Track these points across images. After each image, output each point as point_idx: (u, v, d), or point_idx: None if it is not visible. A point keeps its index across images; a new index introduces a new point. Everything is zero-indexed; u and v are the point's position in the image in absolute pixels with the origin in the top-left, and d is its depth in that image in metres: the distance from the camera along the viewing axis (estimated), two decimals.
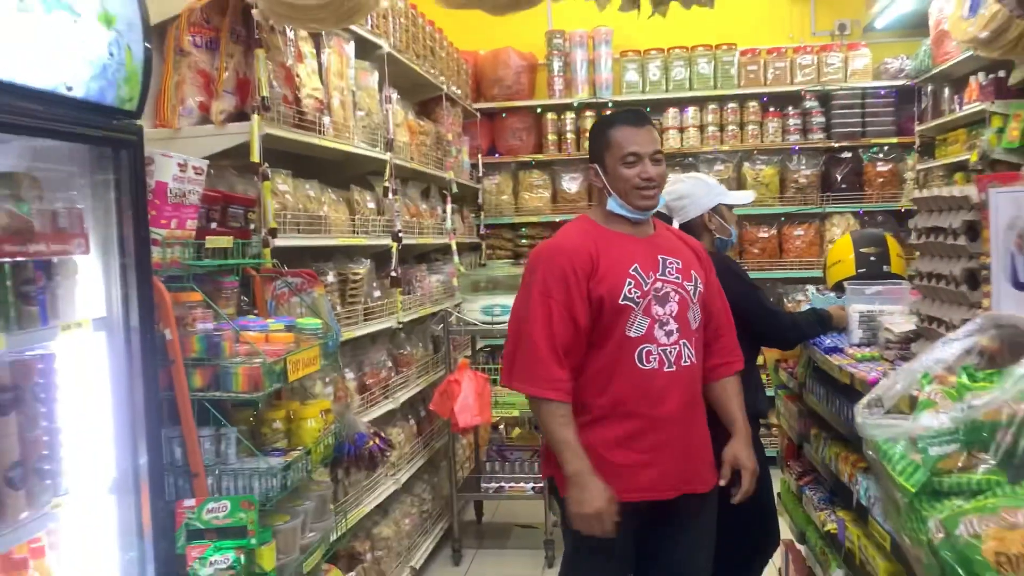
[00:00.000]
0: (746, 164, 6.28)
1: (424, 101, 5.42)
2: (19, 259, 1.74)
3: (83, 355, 2.01)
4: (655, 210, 2.50)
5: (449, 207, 5.39)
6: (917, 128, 6.04)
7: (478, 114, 6.46)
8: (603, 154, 2.43)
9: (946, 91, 5.67)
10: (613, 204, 2.43)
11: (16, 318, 1.75)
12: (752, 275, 5.85)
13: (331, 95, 3.54)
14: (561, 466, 2.32)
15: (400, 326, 4.32)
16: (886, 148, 6.20)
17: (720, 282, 2.68)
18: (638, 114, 2.50)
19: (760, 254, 6.24)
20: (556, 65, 6.49)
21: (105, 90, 1.86)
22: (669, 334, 2.36)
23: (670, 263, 2.43)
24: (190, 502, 2.16)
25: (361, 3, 2.70)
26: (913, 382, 1.71)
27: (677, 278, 2.41)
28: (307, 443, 2.55)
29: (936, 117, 5.77)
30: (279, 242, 2.99)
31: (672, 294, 2.39)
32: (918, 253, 2.30)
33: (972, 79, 5.15)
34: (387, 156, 4.14)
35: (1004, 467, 1.51)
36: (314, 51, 3.43)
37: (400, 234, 4.23)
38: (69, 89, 1.74)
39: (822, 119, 6.23)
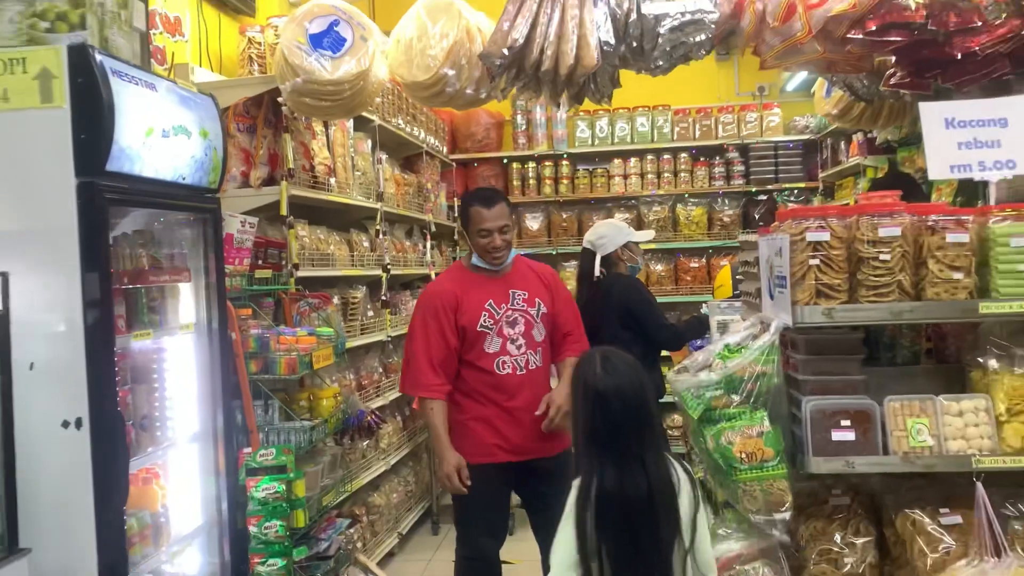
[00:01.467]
0: (679, 205, 7.34)
1: (408, 156, 6.45)
2: (151, 285, 2.73)
3: (180, 348, 2.99)
4: (506, 262, 3.43)
5: (428, 243, 6.40)
6: (820, 175, 7.13)
7: (454, 164, 7.50)
8: (467, 224, 3.43)
9: (841, 145, 6.76)
10: (476, 259, 3.42)
11: (148, 323, 2.74)
12: (684, 298, 6.90)
13: (336, 161, 4.56)
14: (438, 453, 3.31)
15: (389, 339, 5.30)
16: (796, 191, 7.28)
17: (625, 297, 3.75)
18: (490, 195, 3.42)
19: (692, 281, 7.26)
20: (520, 122, 7.54)
21: (201, 177, 2.86)
22: (519, 347, 3.36)
23: (518, 295, 3.40)
24: (248, 449, 3.13)
25: (362, 102, 3.73)
26: (710, 356, 2.72)
27: (523, 306, 3.39)
28: (324, 415, 3.54)
29: (834, 166, 6.85)
30: (300, 273, 3.98)
31: (519, 318, 3.37)
32: (742, 278, 3.33)
33: (854, 137, 6.24)
34: (378, 205, 5.16)
35: (746, 403, 2.52)
36: (323, 129, 4.46)
37: (388, 266, 5.24)
38: (183, 179, 2.74)
39: (742, 167, 7.32)
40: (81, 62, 2.26)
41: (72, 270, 2.27)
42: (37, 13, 2.32)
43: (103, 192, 2.31)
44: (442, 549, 5.30)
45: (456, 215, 7.43)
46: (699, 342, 3.98)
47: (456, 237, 7.49)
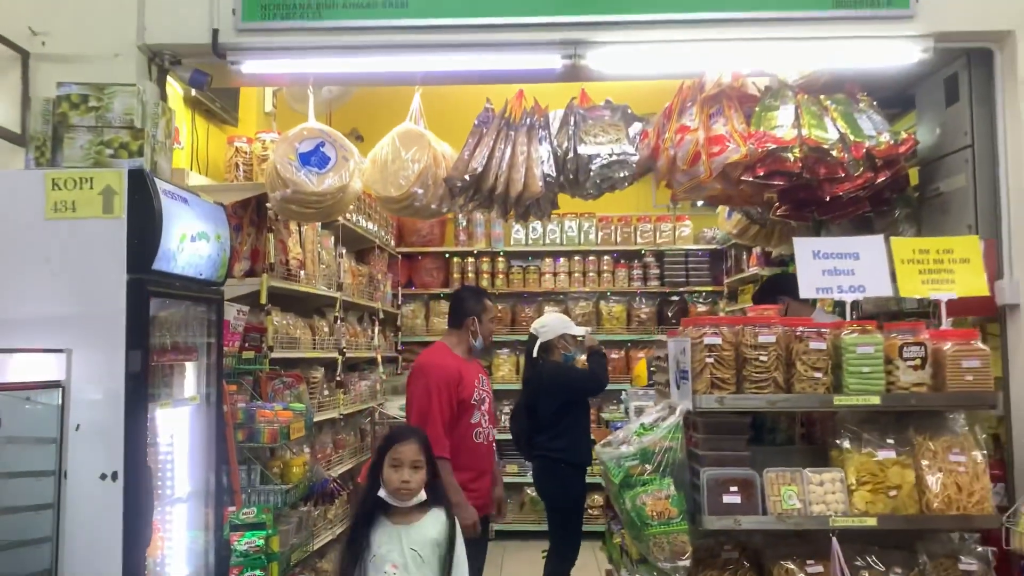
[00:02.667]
0: (602, 302, 8.07)
1: (361, 249, 7.01)
2: (168, 363, 3.20)
3: (183, 418, 3.43)
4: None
5: (377, 329, 6.91)
6: (725, 280, 7.97)
7: (400, 256, 8.09)
8: (481, 313, 4.15)
9: (743, 255, 7.62)
10: (478, 342, 4.12)
11: (165, 395, 3.20)
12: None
13: (306, 255, 5.10)
14: (451, 498, 3.84)
15: (341, 417, 5.75)
16: (704, 294, 8.10)
17: (562, 373, 4.43)
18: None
19: (613, 371, 7.86)
20: (461, 221, 8.22)
21: (212, 273, 3.36)
22: (486, 421, 4.06)
23: (484, 379, 4.16)
24: (232, 508, 3.56)
25: (340, 210, 4.31)
26: (628, 433, 3.32)
27: (487, 388, 4.14)
28: (294, 481, 3.99)
29: (737, 273, 7.69)
30: (274, 355, 4.47)
31: (486, 397, 4.10)
32: (655, 370, 3.97)
33: (754, 250, 7.09)
34: (338, 295, 5.69)
35: (656, 471, 3.11)
36: (297, 228, 5.01)
37: (344, 350, 5.73)
38: (201, 275, 3.25)
39: (657, 271, 8.12)
40: (138, 183, 2.78)
41: (118, 348, 2.73)
42: (104, 142, 2.84)
43: (147, 286, 2.81)
44: None
45: (399, 303, 8.00)
46: (619, 424, 4.60)
47: (399, 323, 8.03)
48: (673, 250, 8.10)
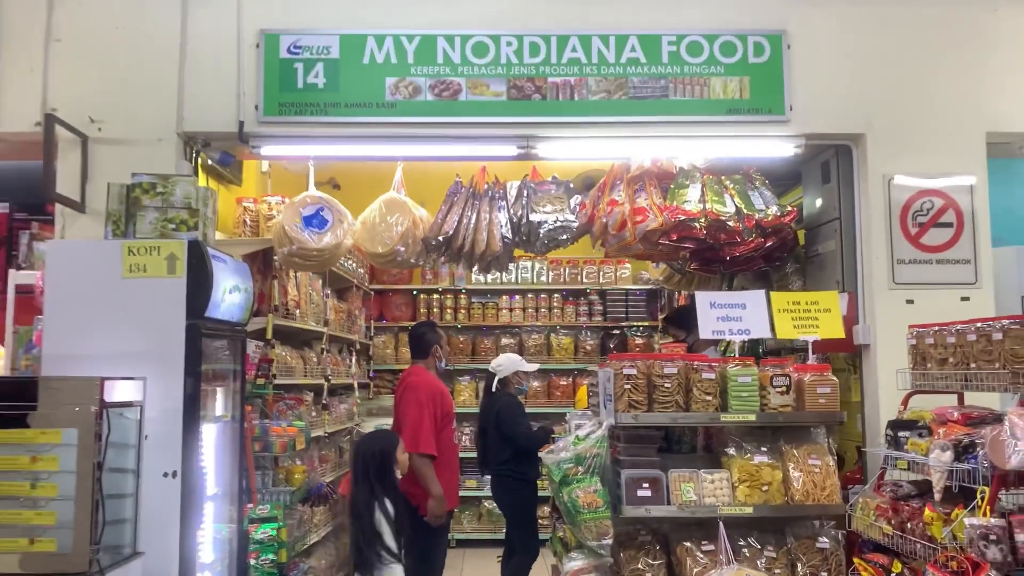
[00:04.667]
0: (552, 335, 8.97)
1: (341, 288, 7.82)
2: (209, 388, 3.99)
3: (210, 432, 4.21)
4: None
5: (355, 358, 7.71)
6: (659, 316, 8.93)
7: (373, 293, 8.90)
8: (439, 342, 5.09)
9: (675, 294, 8.58)
10: (444, 364, 5.02)
11: (204, 415, 3.98)
12: (555, 409, 8.47)
13: (300, 297, 5.91)
14: (430, 489, 4.69)
15: (326, 435, 6.53)
16: (641, 328, 9.05)
17: (501, 408, 5.30)
18: None
19: (561, 396, 8.81)
20: (428, 264, 9.05)
21: (241, 316, 4.16)
22: (455, 430, 4.88)
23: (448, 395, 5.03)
24: (250, 504, 4.34)
25: (333, 262, 5.15)
26: (567, 443, 4.18)
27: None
28: (296, 485, 4.78)
29: (670, 310, 8.65)
30: (276, 382, 5.26)
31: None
32: (592, 395, 4.85)
33: (684, 291, 8.05)
34: (324, 329, 6.49)
35: (587, 472, 3.98)
36: (294, 274, 5.82)
37: (328, 377, 6.53)
38: (233, 318, 4.05)
39: (601, 307, 9.06)
40: (194, 251, 3.59)
41: (178, 376, 3.51)
42: (168, 219, 3.64)
43: (200, 328, 3.61)
44: None
45: (371, 335, 8.80)
46: (560, 441, 5.47)
47: (371, 352, 8.83)
48: (614, 289, 9.05)
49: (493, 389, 5.85)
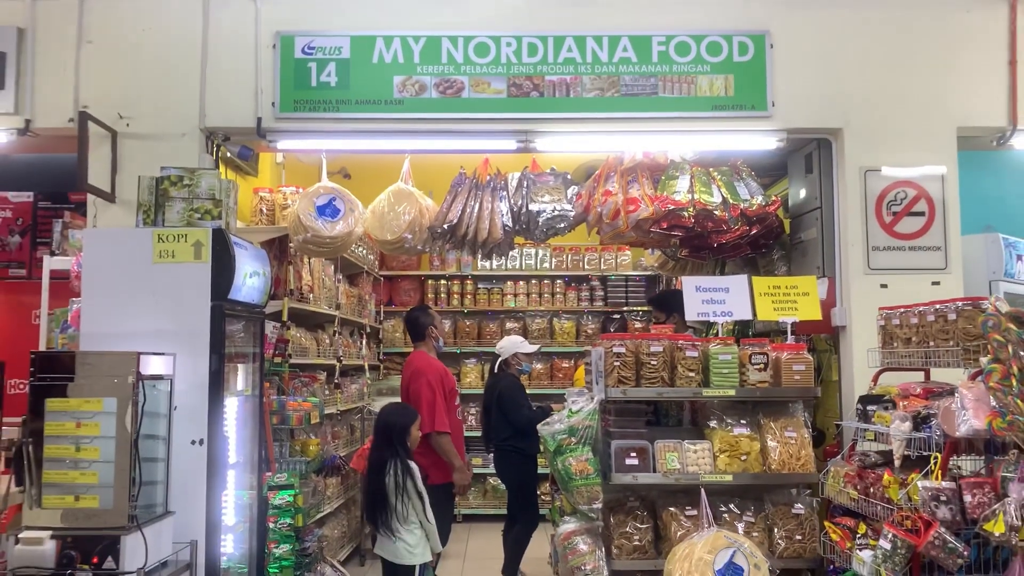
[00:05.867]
0: (555, 319, 9.25)
1: (352, 273, 8.13)
2: (231, 365, 4.30)
3: (232, 405, 4.52)
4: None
5: (365, 341, 8.02)
6: None
7: (382, 279, 9.21)
8: (436, 325, 5.35)
9: (673, 279, 8.83)
10: (441, 344, 5.30)
11: (228, 389, 4.29)
12: (557, 391, 8.74)
13: (314, 282, 6.21)
14: (453, 463, 5.01)
15: (338, 412, 6.85)
16: (640, 312, 9.32)
17: (503, 388, 5.61)
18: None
19: (564, 378, 9.10)
20: (435, 251, 9.34)
21: (259, 299, 4.46)
22: (458, 407, 5.18)
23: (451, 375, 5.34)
24: (269, 473, 4.65)
25: (344, 248, 5.44)
26: (562, 416, 4.48)
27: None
28: (311, 456, 5.09)
29: (652, 293, 8.90)
30: (292, 361, 5.57)
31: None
32: (589, 374, 5.14)
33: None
34: (336, 313, 6.80)
35: (580, 442, 4.28)
36: (308, 260, 6.13)
37: (340, 358, 6.84)
38: (253, 301, 4.36)
39: (602, 293, 9.33)
40: (218, 238, 3.89)
41: (204, 353, 3.82)
42: (194, 209, 3.94)
43: (223, 310, 3.92)
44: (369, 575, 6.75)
45: (381, 319, 9.12)
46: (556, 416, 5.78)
47: (381, 336, 9.15)
48: (615, 275, 9.33)
49: (496, 370, 6.16)
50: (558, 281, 9.36)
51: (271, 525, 4.53)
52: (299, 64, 4.84)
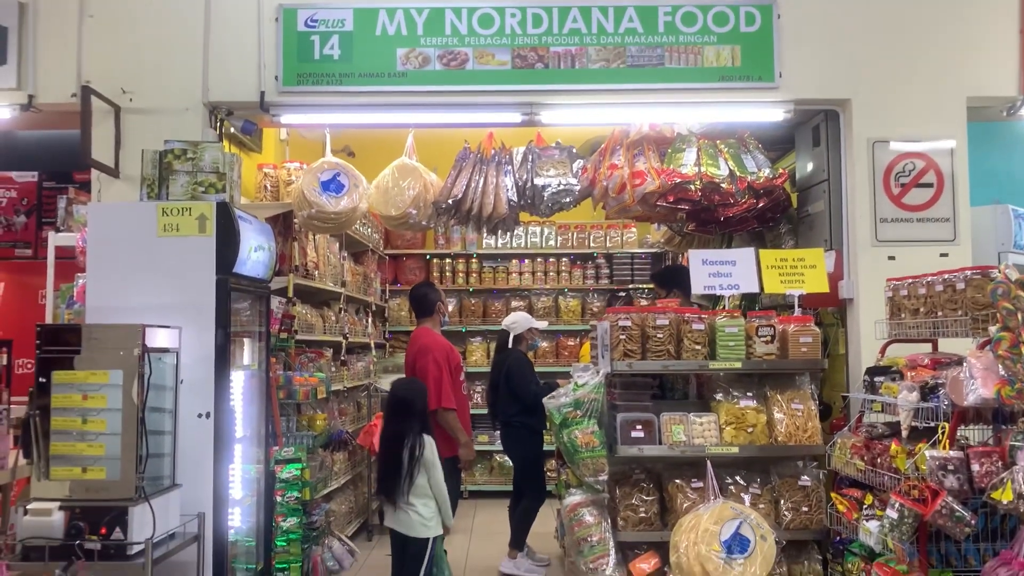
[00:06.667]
0: (560, 297, 9.24)
1: (357, 252, 8.11)
2: (237, 339, 4.29)
3: (239, 379, 4.52)
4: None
5: (370, 319, 8.02)
6: None
7: (387, 257, 9.19)
8: (440, 301, 5.31)
9: (679, 257, 8.80)
10: (446, 320, 5.29)
11: (233, 363, 4.29)
12: (563, 368, 8.72)
13: (319, 259, 6.20)
14: (459, 438, 5.01)
15: (344, 389, 6.86)
16: (646, 290, 9.29)
17: (511, 364, 5.59)
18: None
19: (569, 355, 9.09)
20: (440, 227, 9.32)
21: (264, 273, 4.45)
22: (464, 383, 5.18)
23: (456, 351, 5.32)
24: (276, 447, 4.66)
25: (349, 224, 5.42)
26: (568, 389, 4.47)
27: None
28: (318, 431, 5.10)
29: (656, 269, 8.86)
30: (298, 338, 5.56)
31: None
32: (594, 348, 5.13)
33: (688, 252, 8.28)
34: (342, 290, 6.79)
35: (585, 415, 4.27)
36: (313, 237, 6.11)
37: (346, 335, 6.84)
38: (258, 275, 4.34)
39: (608, 270, 9.30)
40: (223, 212, 3.87)
41: (210, 327, 3.81)
42: (198, 182, 3.92)
43: (228, 283, 3.90)
44: (376, 550, 6.78)
45: (386, 298, 9.11)
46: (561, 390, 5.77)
47: (386, 314, 9.15)
48: (620, 253, 9.29)
49: (509, 345, 6.14)
50: (563, 259, 9.33)
51: (278, 498, 4.54)
52: (302, 37, 4.80)
